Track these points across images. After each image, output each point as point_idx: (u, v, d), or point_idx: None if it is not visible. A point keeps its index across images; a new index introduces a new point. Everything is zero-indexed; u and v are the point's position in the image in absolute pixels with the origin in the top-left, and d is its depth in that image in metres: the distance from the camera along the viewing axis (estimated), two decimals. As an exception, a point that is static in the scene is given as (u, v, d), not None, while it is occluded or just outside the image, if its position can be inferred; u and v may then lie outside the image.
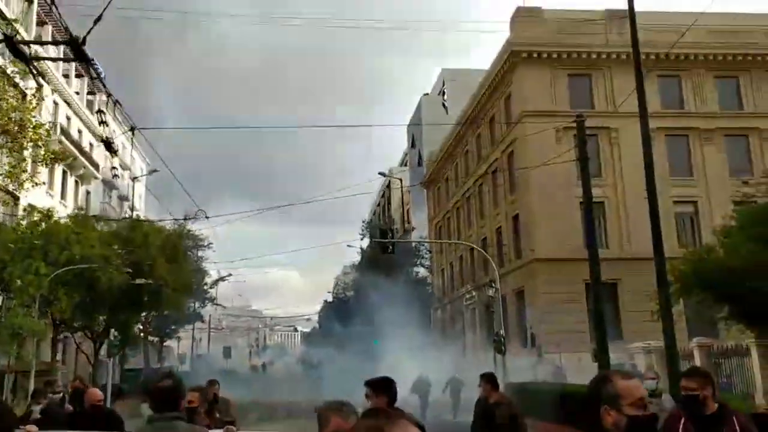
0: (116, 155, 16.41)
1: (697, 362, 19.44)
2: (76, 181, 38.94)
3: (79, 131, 39.70)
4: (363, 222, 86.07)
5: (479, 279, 42.16)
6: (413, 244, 53.42)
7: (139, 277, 24.44)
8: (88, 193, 40.52)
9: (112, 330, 24.05)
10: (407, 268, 48.53)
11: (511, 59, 35.47)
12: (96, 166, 39.80)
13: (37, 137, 14.47)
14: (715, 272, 15.52)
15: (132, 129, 6.74)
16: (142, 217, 35.95)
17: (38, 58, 5.99)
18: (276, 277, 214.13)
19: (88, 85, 41.06)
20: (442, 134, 52.58)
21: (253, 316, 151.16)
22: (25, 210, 22.37)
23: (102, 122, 11.28)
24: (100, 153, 43.52)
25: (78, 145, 37.51)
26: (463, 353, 31.13)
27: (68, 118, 37.43)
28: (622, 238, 33.16)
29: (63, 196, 35.38)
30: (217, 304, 43.59)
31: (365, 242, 76.35)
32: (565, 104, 34.68)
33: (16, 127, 13.86)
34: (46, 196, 31.56)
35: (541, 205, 32.64)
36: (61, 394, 8.28)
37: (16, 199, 27.50)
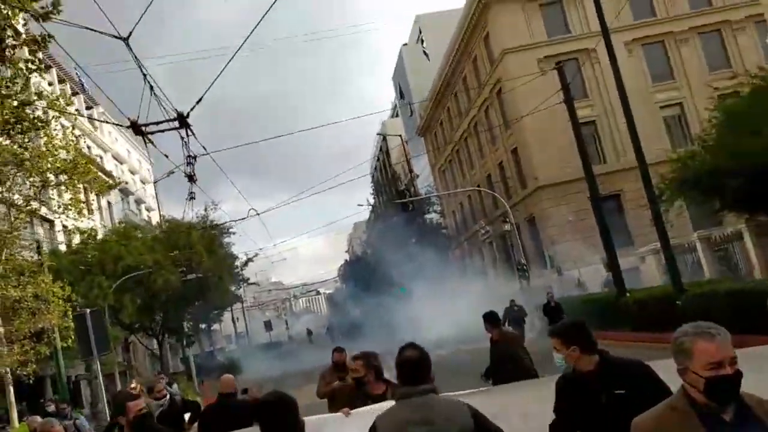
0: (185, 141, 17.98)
1: (701, 253, 21.70)
2: (97, 195, 40.81)
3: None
4: (371, 178, 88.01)
5: (490, 214, 44.29)
6: (420, 193, 55.28)
7: (186, 273, 26.69)
8: (109, 204, 42.48)
9: (185, 323, 26.37)
10: (419, 216, 50.55)
11: (483, 1, 36.71)
12: (112, 176, 41.55)
13: (89, 171, 16.32)
14: (699, 173, 17.47)
15: (179, 116, 7.64)
16: (166, 216, 38.04)
17: (152, 132, 7.74)
18: (287, 246, 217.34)
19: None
20: (428, 81, 53.94)
21: (277, 288, 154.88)
22: (71, 233, 24.42)
23: (147, 141, 13.01)
24: (108, 162, 45.33)
25: (93, 161, 39.15)
26: (488, 286, 33.33)
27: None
28: (618, 150, 35.00)
29: (90, 211, 37.25)
30: (251, 283, 46.03)
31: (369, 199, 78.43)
32: (542, 35, 36.13)
33: (71, 165, 15.67)
34: (61, 214, 33.39)
35: (536, 135, 34.35)
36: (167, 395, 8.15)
37: (51, 222, 29.60)
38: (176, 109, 7.46)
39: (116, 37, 6.64)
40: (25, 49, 10.09)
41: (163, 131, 7.67)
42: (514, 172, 38.93)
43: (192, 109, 7.48)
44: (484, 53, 39.80)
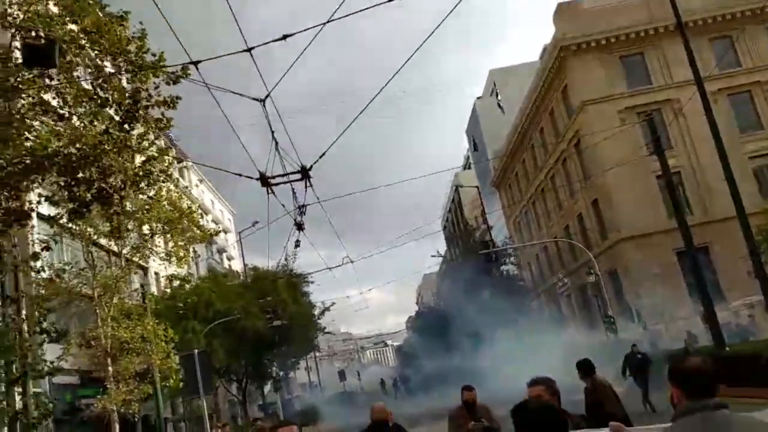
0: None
1: (802, 309, 20.69)
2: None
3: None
4: (443, 230, 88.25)
5: (569, 265, 43.58)
6: (497, 244, 54.91)
7: (273, 319, 27.52)
8: (195, 251, 44.38)
9: (274, 369, 27.07)
10: (494, 268, 50.20)
11: (562, 54, 37.10)
12: (202, 227, 43.65)
13: (194, 221, 17.45)
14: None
15: (303, 169, 8.25)
16: (249, 265, 39.39)
17: (277, 184, 8.44)
18: (357, 299, 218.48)
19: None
20: (502, 134, 54.39)
21: (347, 338, 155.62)
22: (170, 279, 25.69)
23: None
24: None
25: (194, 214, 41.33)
26: (570, 338, 32.54)
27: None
28: (704, 202, 34.11)
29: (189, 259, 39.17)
30: (328, 332, 46.61)
31: (441, 249, 78.44)
32: (622, 85, 36.06)
33: (177, 216, 16.82)
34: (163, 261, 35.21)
35: (618, 186, 33.95)
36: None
37: (145, 270, 31.25)
38: (300, 163, 8.10)
39: (255, 99, 7.36)
40: (156, 109, 11.13)
41: (287, 182, 8.31)
42: (595, 223, 38.39)
43: (315, 163, 8.12)
44: (561, 106, 39.96)
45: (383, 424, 7.14)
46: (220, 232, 16.64)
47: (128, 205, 12.79)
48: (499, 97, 60.07)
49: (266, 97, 7.36)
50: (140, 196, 12.92)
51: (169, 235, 17.70)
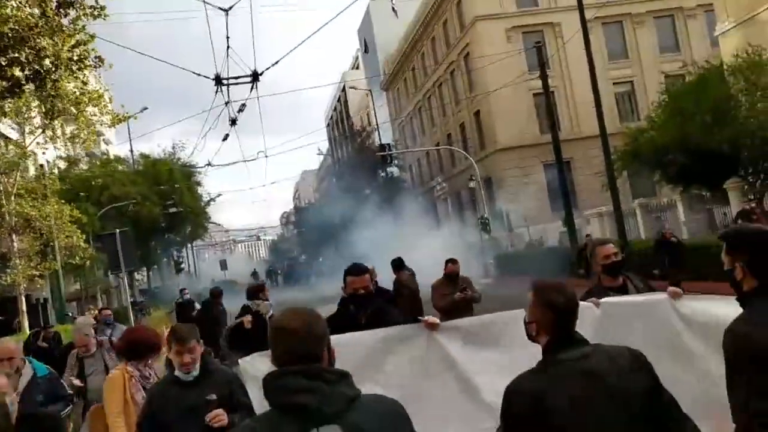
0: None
1: (639, 218, 24.65)
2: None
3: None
4: (328, 125, 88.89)
5: (448, 171, 46.70)
6: (378, 145, 56.78)
7: (170, 206, 28.03)
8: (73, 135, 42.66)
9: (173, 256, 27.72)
10: (379, 168, 52.38)
11: (460, -34, 38.26)
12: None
13: (100, 106, 17.46)
14: (646, 148, 20.11)
15: (254, 74, 9.36)
16: (131, 150, 38.81)
17: (230, 84, 9.35)
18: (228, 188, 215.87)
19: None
20: (394, 38, 55.26)
21: (220, 230, 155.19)
22: (63, 160, 25.29)
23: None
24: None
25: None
26: (448, 237, 35.76)
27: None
28: (572, 121, 37.70)
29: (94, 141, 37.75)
30: (212, 223, 47.33)
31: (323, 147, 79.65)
32: (512, 5, 38.06)
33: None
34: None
35: (499, 100, 36.59)
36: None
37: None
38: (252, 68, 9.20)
39: (221, 8, 8.30)
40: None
41: (238, 84, 9.39)
42: (476, 133, 41.19)
43: (267, 69, 9.25)
44: (455, 18, 41.49)
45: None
46: (131, 117, 16.85)
47: (68, 87, 12.99)
48: (394, 1, 60.25)
49: (230, 8, 8.30)
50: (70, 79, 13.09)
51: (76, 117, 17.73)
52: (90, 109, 17.20)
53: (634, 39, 39.11)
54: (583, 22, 19.56)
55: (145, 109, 38.82)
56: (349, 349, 3.23)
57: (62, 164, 26.16)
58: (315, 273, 59.29)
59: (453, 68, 42.97)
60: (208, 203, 42.97)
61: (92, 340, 5.93)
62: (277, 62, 9.01)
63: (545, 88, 21.96)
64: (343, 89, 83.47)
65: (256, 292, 6.43)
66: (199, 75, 9.20)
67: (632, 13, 38.89)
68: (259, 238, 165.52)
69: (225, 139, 13.34)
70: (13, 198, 16.71)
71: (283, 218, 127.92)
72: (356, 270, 4.05)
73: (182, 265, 31.86)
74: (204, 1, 8.24)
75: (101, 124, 17.81)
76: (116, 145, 53.42)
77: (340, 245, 48.22)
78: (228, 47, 9.04)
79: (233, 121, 11.55)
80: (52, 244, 17.94)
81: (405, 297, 9.53)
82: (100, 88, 17.53)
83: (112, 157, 31.67)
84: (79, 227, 20.69)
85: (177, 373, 3.53)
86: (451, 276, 7.83)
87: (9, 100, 12.25)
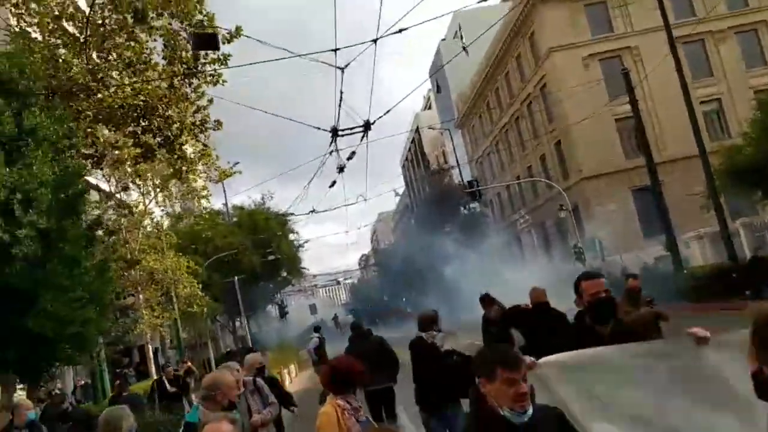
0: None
1: (743, 238, 23.83)
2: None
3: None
4: (403, 167, 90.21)
5: (530, 204, 46.51)
6: (459, 183, 57.14)
7: (268, 254, 29.39)
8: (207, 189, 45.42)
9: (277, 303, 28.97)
10: (461, 206, 52.73)
11: (531, 1, 38.80)
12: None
13: (209, 162, 18.86)
14: (744, 166, 19.62)
15: (366, 124, 9.98)
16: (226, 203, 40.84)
17: (344, 135, 10.16)
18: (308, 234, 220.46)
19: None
20: (465, 77, 56.04)
21: (307, 275, 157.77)
22: (173, 217, 27.00)
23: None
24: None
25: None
26: (537, 270, 35.43)
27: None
28: (657, 144, 36.94)
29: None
30: (303, 268, 48.82)
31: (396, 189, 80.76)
32: (587, 33, 38.13)
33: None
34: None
35: (580, 129, 36.37)
36: None
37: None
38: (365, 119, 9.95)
39: (337, 67, 9.10)
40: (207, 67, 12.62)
41: (352, 134, 10.14)
42: (557, 164, 40.97)
43: (379, 118, 9.97)
44: (528, 51, 41.89)
45: (544, 305, 7.02)
46: (236, 172, 18.07)
47: (189, 151, 14.26)
48: (464, 40, 61.33)
49: (346, 66, 9.09)
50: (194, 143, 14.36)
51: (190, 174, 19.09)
52: (200, 167, 18.59)
53: (718, 56, 38.27)
54: (671, 40, 19.54)
55: (237, 163, 41.08)
56: (595, 367, 2.95)
57: (167, 221, 27.93)
58: (397, 313, 59.75)
59: (530, 101, 43.19)
60: (298, 249, 44.41)
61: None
62: (388, 111, 9.73)
63: (635, 113, 21.92)
64: (416, 130, 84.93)
65: (429, 322, 6.18)
66: (318, 128, 10.01)
67: (713, 30, 38.14)
68: (338, 282, 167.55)
69: (332, 185, 14.16)
70: (137, 254, 18.13)
71: (362, 261, 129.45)
72: (590, 275, 3.68)
73: (286, 309, 33.06)
74: (320, 61, 9.06)
75: (210, 180, 19.12)
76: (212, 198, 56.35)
77: (427, 283, 48.53)
78: (341, 100, 9.82)
79: (341, 169, 12.32)
80: (171, 294, 19.26)
81: (492, 336, 8.97)
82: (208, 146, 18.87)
83: (209, 210, 33.52)
84: (194, 278, 22.06)
85: (505, 412, 2.49)
86: (633, 292, 7.13)
87: (143, 164, 13.63)
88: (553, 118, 39.95)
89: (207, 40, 8.95)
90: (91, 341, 10.02)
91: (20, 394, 10.26)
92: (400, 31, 8.05)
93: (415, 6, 8.55)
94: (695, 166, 22.36)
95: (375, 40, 8.13)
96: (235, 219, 33.03)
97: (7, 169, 7.46)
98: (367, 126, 10.05)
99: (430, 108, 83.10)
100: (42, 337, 8.33)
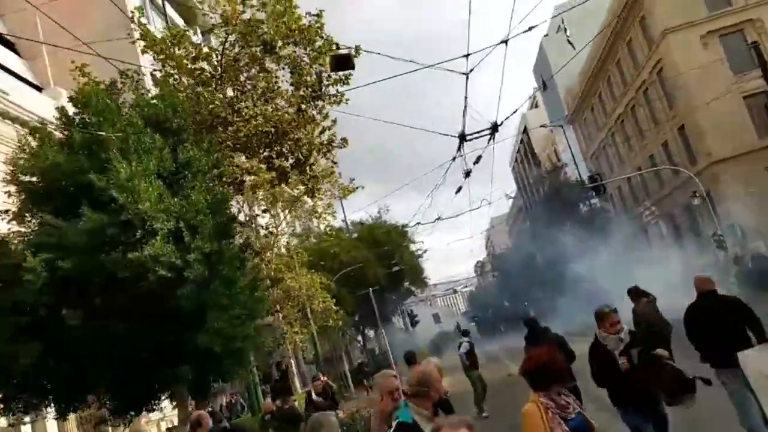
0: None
1: None
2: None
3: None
4: (513, 168, 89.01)
5: (654, 194, 44.28)
6: (576, 179, 55.42)
7: (393, 266, 30.01)
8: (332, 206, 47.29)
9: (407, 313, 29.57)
10: (581, 202, 51.19)
11: (638, -16, 37.21)
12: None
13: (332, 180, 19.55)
14: None
15: (494, 126, 10.04)
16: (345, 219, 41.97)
17: (472, 139, 10.35)
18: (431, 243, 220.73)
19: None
20: (572, 71, 54.35)
21: (429, 284, 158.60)
22: (300, 236, 28.12)
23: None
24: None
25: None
26: (674, 261, 33.44)
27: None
28: (792, 120, 34.21)
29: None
30: (425, 278, 49.25)
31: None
32: (702, 10, 35.97)
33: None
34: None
35: (706, 110, 34.29)
36: None
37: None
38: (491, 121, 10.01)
39: (462, 73, 9.23)
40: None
41: (479, 137, 10.22)
42: (683, 149, 38.80)
43: (506, 119, 9.99)
44: (640, 35, 40.14)
45: (711, 293, 6.57)
46: (359, 187, 18.62)
47: (319, 169, 14.96)
48: (568, 33, 59.73)
49: (471, 70, 9.20)
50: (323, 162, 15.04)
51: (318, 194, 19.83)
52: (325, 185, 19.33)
53: None
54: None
55: (353, 180, 42.19)
56: None
57: (295, 240, 29.13)
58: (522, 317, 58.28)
59: (646, 87, 41.28)
60: (419, 258, 44.81)
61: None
62: (515, 111, 9.73)
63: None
64: (524, 130, 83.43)
65: (602, 319, 6.20)
66: (446, 135, 10.20)
67: None
68: (455, 291, 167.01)
69: (458, 191, 14.28)
70: (273, 274, 19.06)
71: (477, 268, 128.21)
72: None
73: (417, 319, 33.51)
74: (446, 69, 9.22)
75: (333, 197, 19.83)
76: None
77: (557, 284, 47.02)
78: (466, 106, 9.93)
79: (467, 173, 12.41)
80: (306, 310, 20.08)
81: (642, 330, 8.86)
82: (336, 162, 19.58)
83: (330, 227, 34.60)
84: (327, 292, 22.83)
85: None
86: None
87: (278, 187, 14.42)
88: (673, 102, 37.95)
89: (344, 61, 9.46)
90: (247, 357, 10.71)
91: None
92: (530, 29, 8.09)
93: (538, 3, 8.53)
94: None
95: (505, 41, 8.21)
96: (355, 234, 33.99)
97: (174, 200, 8.19)
98: (494, 128, 10.10)
99: (536, 107, 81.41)
100: (210, 353, 9.01)
